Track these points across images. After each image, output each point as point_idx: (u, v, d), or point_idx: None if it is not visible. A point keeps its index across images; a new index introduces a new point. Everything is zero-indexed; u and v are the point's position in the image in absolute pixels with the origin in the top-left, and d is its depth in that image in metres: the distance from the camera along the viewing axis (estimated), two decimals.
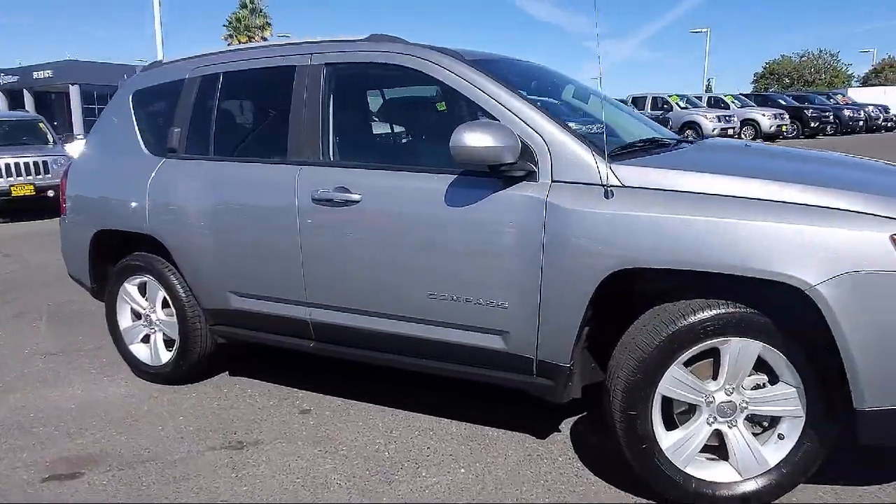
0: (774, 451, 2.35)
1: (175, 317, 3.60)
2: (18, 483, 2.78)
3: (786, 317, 2.21)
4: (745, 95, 28.01)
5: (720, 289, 2.28)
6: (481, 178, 2.60)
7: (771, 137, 22.97)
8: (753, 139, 22.32)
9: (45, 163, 11.06)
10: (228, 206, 3.28)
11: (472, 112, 2.94)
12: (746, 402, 2.35)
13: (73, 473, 2.84)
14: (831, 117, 27.01)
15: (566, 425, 3.11)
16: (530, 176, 2.55)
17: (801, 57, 60.51)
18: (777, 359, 2.27)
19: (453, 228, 2.67)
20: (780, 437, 2.35)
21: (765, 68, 61.88)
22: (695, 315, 2.26)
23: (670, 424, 2.43)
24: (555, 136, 2.56)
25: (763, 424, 2.41)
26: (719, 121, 22.43)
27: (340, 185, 2.92)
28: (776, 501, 2.40)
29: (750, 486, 2.36)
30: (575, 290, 2.43)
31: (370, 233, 2.89)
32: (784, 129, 24.23)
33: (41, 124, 12.52)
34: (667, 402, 2.40)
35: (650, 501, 2.50)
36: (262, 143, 3.43)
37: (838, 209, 2.14)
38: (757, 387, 2.34)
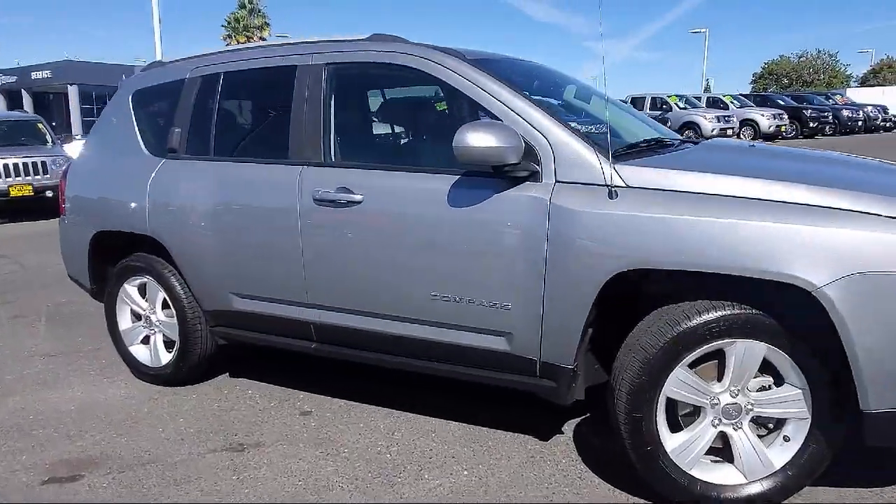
0: (780, 454, 2.34)
1: (175, 318, 3.58)
2: (18, 486, 2.76)
3: (791, 318, 2.20)
4: (744, 96, 28.01)
5: (725, 290, 2.26)
6: (484, 179, 2.59)
7: (770, 138, 22.96)
8: (753, 139, 22.32)
9: (43, 163, 11.04)
10: (229, 207, 3.27)
11: (474, 112, 2.93)
12: (752, 404, 2.33)
13: (73, 476, 2.82)
14: (830, 117, 27.03)
15: (569, 427, 3.10)
16: (534, 176, 2.53)
17: (800, 57, 60.61)
18: (782, 360, 2.25)
19: (456, 229, 2.65)
20: (786, 439, 2.33)
21: (763, 69, 61.95)
22: (700, 316, 2.25)
23: (675, 426, 2.41)
24: (558, 137, 2.55)
25: (768, 426, 2.39)
26: (718, 121, 22.42)
27: (342, 186, 2.90)
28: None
29: (755, 489, 2.35)
30: (579, 292, 2.41)
31: (372, 233, 2.87)
32: (783, 129, 24.24)
33: (40, 125, 12.49)
34: (671, 404, 2.38)
35: None
36: (264, 143, 3.41)
37: (845, 210, 2.12)
38: (762, 388, 2.33)
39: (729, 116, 23.24)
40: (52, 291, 5.87)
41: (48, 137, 12.27)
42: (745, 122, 23.69)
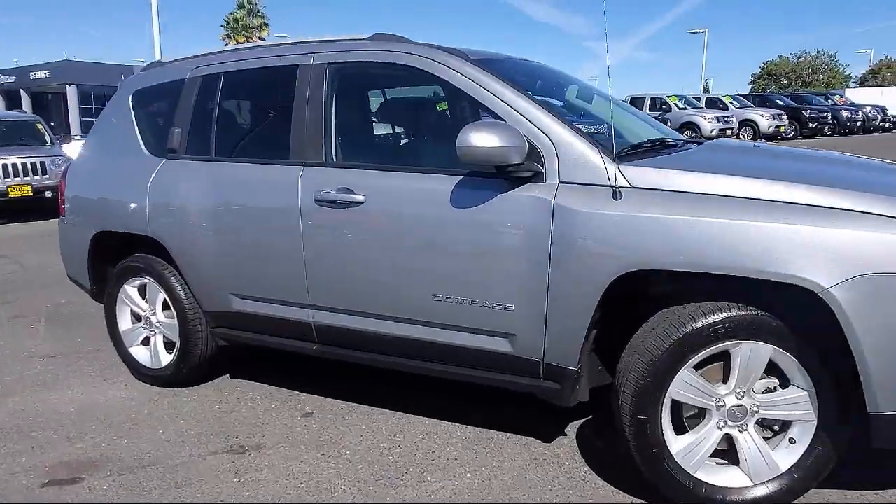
0: (786, 456, 2.32)
1: (175, 319, 3.56)
2: (18, 488, 2.74)
3: (797, 319, 2.18)
4: (743, 96, 27.99)
5: (730, 291, 2.25)
6: (487, 179, 2.57)
7: (769, 138, 22.96)
8: (752, 140, 22.32)
9: (42, 163, 11.03)
10: (230, 208, 3.25)
11: (478, 112, 2.91)
12: (757, 406, 2.32)
13: (73, 478, 2.80)
14: (829, 118, 27.04)
15: (572, 429, 3.08)
16: (537, 177, 2.51)
17: (799, 58, 60.68)
18: (788, 362, 2.24)
19: (458, 230, 2.63)
20: (792, 441, 2.32)
21: (762, 69, 62.01)
22: (705, 318, 2.23)
23: (680, 429, 2.39)
24: (562, 137, 2.53)
25: (774, 428, 2.38)
26: (718, 121, 22.42)
27: (344, 186, 2.88)
28: None
29: (761, 491, 2.33)
30: (583, 293, 2.40)
31: (374, 234, 2.85)
32: (782, 129, 24.25)
33: (38, 125, 12.47)
34: (676, 406, 2.37)
35: None
36: (264, 143, 3.39)
37: (853, 211, 2.11)
38: (768, 390, 2.31)
39: (728, 117, 23.24)
40: (52, 292, 5.85)
41: (47, 137, 12.24)
42: (745, 123, 23.69)
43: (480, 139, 2.40)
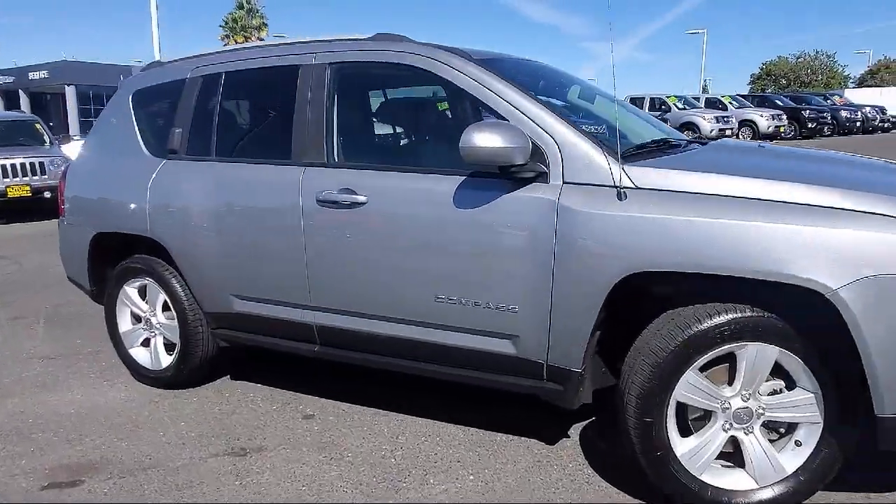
0: (791, 458, 2.31)
1: (176, 320, 3.54)
2: (17, 491, 2.72)
3: (803, 321, 2.17)
4: (743, 96, 28.01)
5: (736, 292, 2.23)
6: (491, 180, 2.56)
7: (769, 138, 22.93)
8: (752, 140, 22.32)
9: (41, 164, 11.00)
10: (231, 208, 3.23)
11: (480, 113, 2.89)
12: (763, 408, 2.30)
13: (73, 481, 2.78)
14: (829, 118, 27.06)
15: (575, 430, 3.07)
16: (541, 177, 2.50)
17: (798, 58, 60.74)
18: (794, 364, 2.22)
19: (462, 230, 2.62)
20: (798, 443, 2.30)
21: (761, 69, 62.06)
22: (711, 319, 2.21)
23: (685, 431, 2.38)
24: (566, 137, 2.51)
25: (780, 431, 2.36)
26: (717, 122, 22.42)
27: (346, 187, 2.86)
28: None
29: (767, 494, 2.31)
30: (587, 294, 2.38)
31: (376, 235, 2.83)
32: (782, 129, 24.26)
33: (37, 125, 12.43)
34: (681, 408, 2.35)
35: None
36: (265, 143, 3.37)
37: (859, 211, 2.09)
38: (774, 392, 2.30)
39: (728, 117, 23.25)
40: (51, 293, 5.83)
41: (46, 138, 12.21)
42: (744, 123, 23.71)
43: (484, 139, 2.38)
